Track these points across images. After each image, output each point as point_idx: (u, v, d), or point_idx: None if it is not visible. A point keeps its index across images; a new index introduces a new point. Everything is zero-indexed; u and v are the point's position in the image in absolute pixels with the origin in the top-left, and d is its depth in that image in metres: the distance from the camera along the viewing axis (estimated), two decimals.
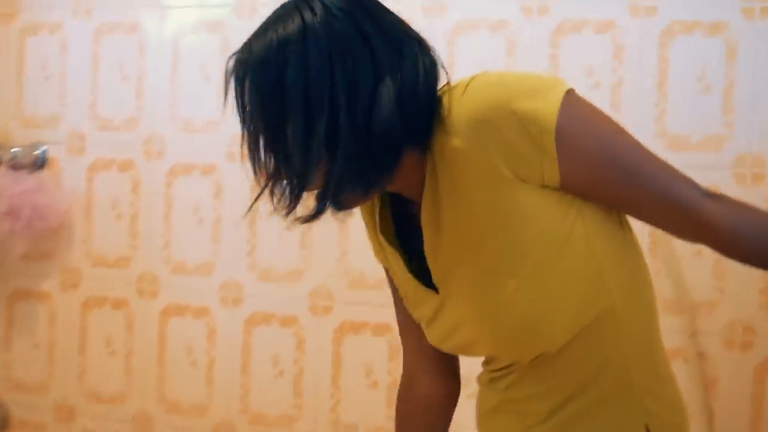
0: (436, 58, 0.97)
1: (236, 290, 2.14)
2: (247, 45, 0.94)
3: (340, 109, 0.89)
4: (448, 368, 1.21)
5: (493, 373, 1.10)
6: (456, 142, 0.93)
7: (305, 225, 0.96)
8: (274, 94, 0.90)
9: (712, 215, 0.94)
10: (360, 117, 0.90)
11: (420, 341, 1.14)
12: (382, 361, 2.02)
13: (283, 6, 0.94)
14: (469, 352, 1.09)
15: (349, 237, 2.02)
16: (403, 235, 1.09)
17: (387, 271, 1.16)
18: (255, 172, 0.94)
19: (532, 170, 0.92)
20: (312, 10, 0.91)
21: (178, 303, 2.18)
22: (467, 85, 0.94)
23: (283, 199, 0.94)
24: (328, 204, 0.94)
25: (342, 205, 0.96)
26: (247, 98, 0.93)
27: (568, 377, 1.00)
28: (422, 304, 1.08)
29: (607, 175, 0.94)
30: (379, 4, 0.97)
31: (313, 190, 0.94)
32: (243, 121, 0.94)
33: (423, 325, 1.11)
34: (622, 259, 1.00)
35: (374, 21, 0.93)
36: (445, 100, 0.95)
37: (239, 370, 2.13)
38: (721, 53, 1.82)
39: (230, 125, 1.39)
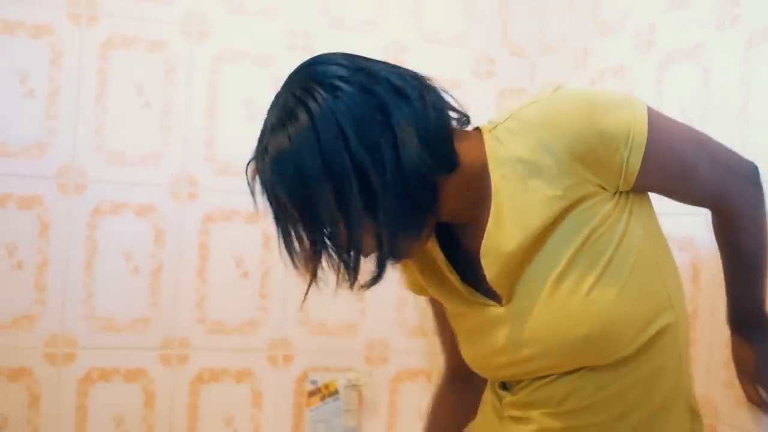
0: (435, 87, 1.02)
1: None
2: (261, 148, 0.97)
3: (368, 174, 0.93)
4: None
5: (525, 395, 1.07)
6: (524, 151, 0.98)
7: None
8: (296, 185, 0.94)
9: (736, 201, 1.06)
10: (390, 171, 0.94)
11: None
12: None
13: (284, 99, 0.97)
14: (513, 371, 1.06)
15: None
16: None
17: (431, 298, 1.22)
18: (295, 264, 0.99)
19: (609, 182, 0.98)
20: (314, 97, 0.94)
21: None
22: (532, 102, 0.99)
23: (342, 274, 0.98)
24: (387, 261, 0.99)
25: (401, 255, 1.02)
26: (276, 197, 0.96)
27: (629, 389, 1.01)
28: (475, 318, 1.08)
29: (673, 183, 1.02)
30: (370, 60, 1.01)
31: (369, 254, 0.99)
32: (277, 219, 0.98)
33: (466, 340, 1.13)
34: (669, 257, 1.05)
35: (373, 78, 0.97)
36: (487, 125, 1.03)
37: None
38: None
39: None
